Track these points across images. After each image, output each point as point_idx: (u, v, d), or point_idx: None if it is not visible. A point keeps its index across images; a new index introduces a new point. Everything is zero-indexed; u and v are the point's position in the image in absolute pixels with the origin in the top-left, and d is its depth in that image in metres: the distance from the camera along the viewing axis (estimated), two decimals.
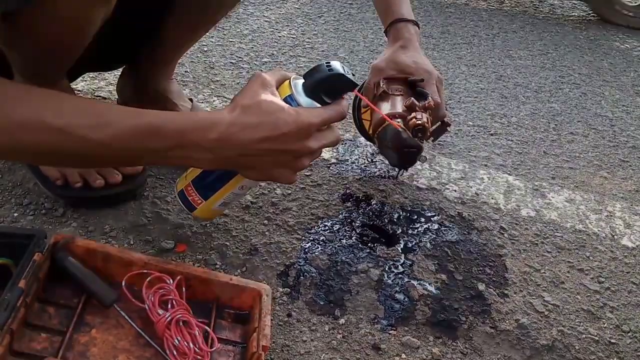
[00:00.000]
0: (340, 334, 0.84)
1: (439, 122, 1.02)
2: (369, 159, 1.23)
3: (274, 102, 0.68)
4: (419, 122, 0.89)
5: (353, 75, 0.73)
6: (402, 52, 0.96)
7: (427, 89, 0.96)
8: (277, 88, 0.72)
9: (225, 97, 1.36)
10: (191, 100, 1.16)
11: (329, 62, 0.71)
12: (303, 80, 0.73)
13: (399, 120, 0.91)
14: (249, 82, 0.71)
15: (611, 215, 1.21)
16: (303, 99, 0.72)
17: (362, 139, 1.30)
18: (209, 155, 0.68)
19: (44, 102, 0.63)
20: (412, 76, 0.96)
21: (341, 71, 0.71)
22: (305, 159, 0.73)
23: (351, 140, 1.29)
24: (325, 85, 0.71)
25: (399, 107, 0.93)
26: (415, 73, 0.95)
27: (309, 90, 0.72)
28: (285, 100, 0.71)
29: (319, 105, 0.72)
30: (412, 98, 0.91)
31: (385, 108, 0.94)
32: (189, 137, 0.67)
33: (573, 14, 2.31)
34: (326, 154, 1.21)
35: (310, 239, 0.98)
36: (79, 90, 1.26)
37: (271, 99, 0.69)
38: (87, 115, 0.64)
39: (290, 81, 0.72)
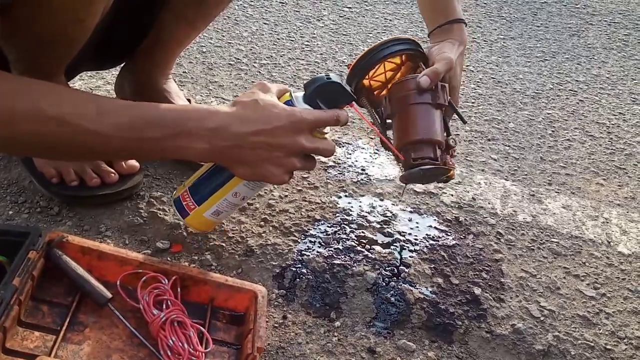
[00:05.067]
0: (335, 336, 0.84)
1: None
2: (366, 162, 1.22)
3: (271, 101, 0.72)
4: (451, 178, 0.87)
5: (352, 91, 0.76)
6: (460, 59, 0.89)
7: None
8: (278, 98, 0.75)
9: (224, 99, 1.36)
10: (189, 100, 1.16)
11: (329, 74, 0.75)
12: (303, 93, 0.76)
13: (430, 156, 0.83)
14: (251, 87, 0.73)
15: (607, 222, 1.21)
16: (301, 105, 0.75)
17: (359, 142, 1.30)
18: (205, 145, 0.69)
19: (42, 93, 0.63)
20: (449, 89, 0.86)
21: (338, 81, 0.74)
22: (297, 159, 0.74)
23: (349, 143, 1.29)
24: (322, 92, 0.74)
25: (440, 132, 0.83)
26: (451, 86, 0.88)
27: (307, 97, 0.75)
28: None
29: None
30: (451, 139, 0.85)
31: (432, 126, 0.84)
32: (187, 125, 0.68)
33: (571, 21, 2.32)
34: None
35: (307, 241, 0.98)
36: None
37: (268, 98, 0.72)
38: (85, 105, 0.65)
39: (291, 92, 0.76)
